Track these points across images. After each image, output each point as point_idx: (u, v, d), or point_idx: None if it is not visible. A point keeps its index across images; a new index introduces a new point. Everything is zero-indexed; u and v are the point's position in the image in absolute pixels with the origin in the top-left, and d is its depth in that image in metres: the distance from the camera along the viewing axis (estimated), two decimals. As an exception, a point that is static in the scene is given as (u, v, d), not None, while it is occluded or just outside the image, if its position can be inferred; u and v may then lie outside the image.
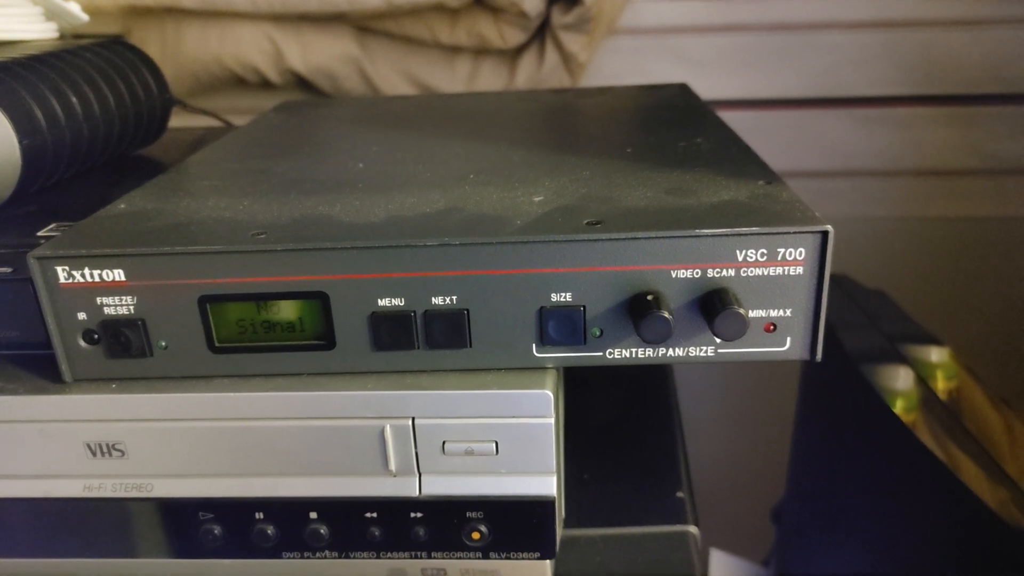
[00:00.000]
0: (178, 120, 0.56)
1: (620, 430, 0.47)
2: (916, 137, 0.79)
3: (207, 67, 0.74)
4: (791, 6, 0.75)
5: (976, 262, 0.82)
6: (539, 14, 0.69)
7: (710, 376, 0.89)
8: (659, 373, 0.53)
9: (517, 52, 0.74)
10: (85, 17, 0.49)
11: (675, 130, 0.46)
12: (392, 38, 0.74)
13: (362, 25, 0.73)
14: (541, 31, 0.72)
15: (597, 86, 0.65)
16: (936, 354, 0.53)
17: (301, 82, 0.77)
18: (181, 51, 0.73)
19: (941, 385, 0.49)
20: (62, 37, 0.50)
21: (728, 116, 0.50)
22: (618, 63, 0.77)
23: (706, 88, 0.60)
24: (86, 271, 0.31)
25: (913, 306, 0.61)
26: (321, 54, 0.74)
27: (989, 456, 0.40)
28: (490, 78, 0.75)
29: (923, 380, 0.49)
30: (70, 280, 0.32)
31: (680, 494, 0.41)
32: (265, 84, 0.76)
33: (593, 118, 0.53)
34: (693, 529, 0.40)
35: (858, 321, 0.59)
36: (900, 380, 0.50)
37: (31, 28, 0.46)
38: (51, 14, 0.48)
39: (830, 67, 0.76)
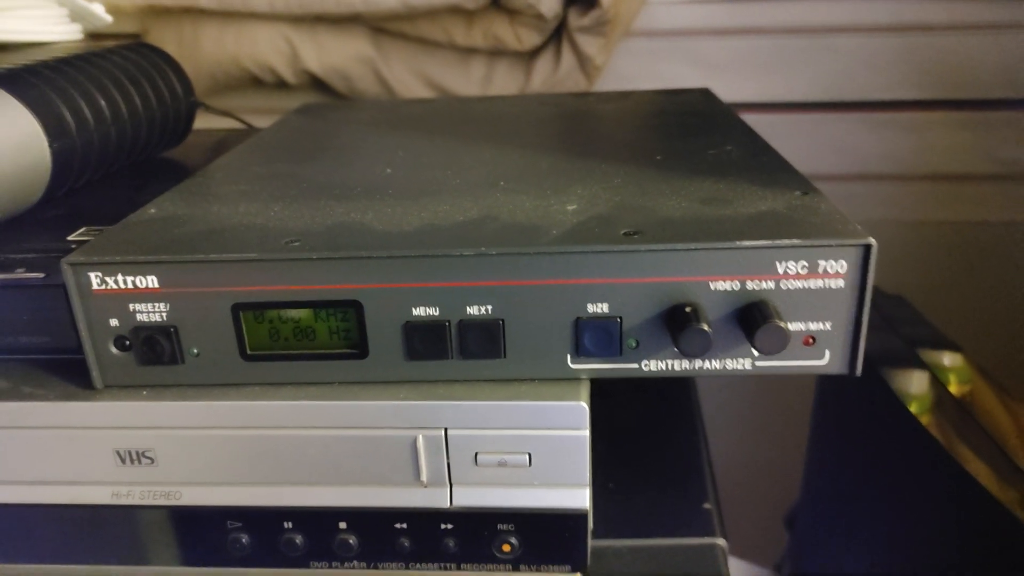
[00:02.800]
0: (198, 122, 0.56)
1: (644, 439, 0.47)
2: (931, 141, 0.79)
3: (224, 67, 0.74)
4: (806, 9, 0.74)
5: (989, 266, 0.82)
6: (555, 16, 0.69)
7: (725, 380, 0.89)
8: (682, 381, 0.52)
9: (533, 54, 0.74)
10: (109, 19, 0.49)
11: (702, 137, 0.46)
12: (407, 39, 0.74)
13: (377, 26, 0.73)
14: (557, 33, 0.72)
15: (616, 90, 0.65)
16: (954, 359, 0.53)
17: (316, 82, 0.76)
18: (198, 51, 0.73)
19: (959, 389, 0.48)
20: (86, 40, 0.49)
21: (744, 119, 0.49)
22: (633, 66, 0.76)
23: (721, 91, 0.60)
24: (119, 278, 0.31)
25: (927, 309, 0.61)
26: (336, 55, 0.74)
27: (1008, 459, 0.40)
28: (505, 80, 0.75)
29: (941, 384, 0.49)
30: (103, 287, 0.31)
31: (707, 505, 0.41)
32: (281, 84, 0.76)
33: (617, 123, 0.52)
34: (721, 542, 0.39)
35: (876, 325, 0.58)
36: (919, 384, 0.50)
37: (57, 30, 0.46)
38: (76, 15, 0.48)
39: (845, 71, 0.76)
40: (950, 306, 0.78)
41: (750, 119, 0.50)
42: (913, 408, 0.47)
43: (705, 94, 0.58)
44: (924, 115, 0.78)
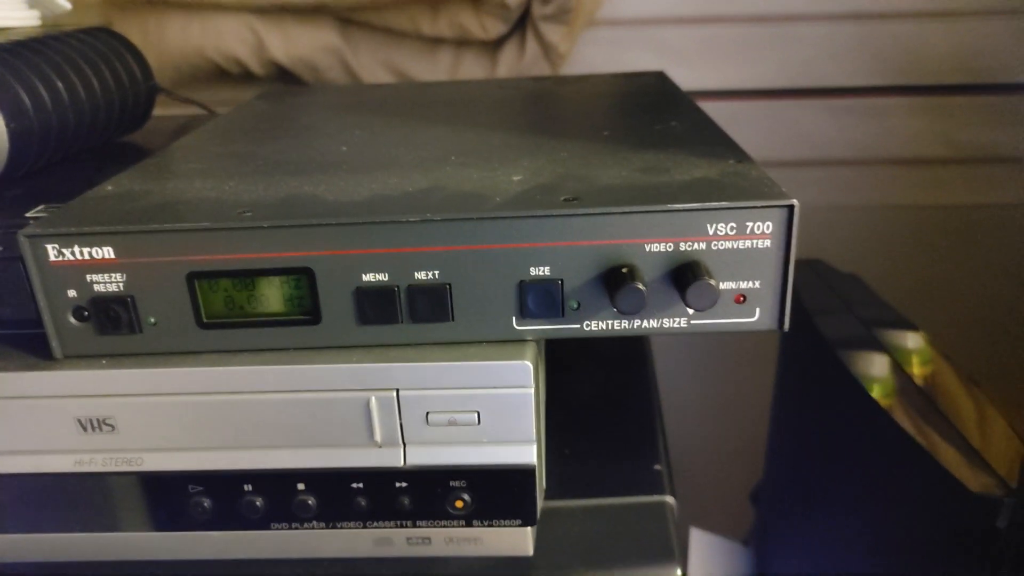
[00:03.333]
0: (162, 109, 0.57)
1: (600, 407, 0.48)
2: (889, 126, 0.81)
3: (189, 59, 0.74)
4: (766, -2, 0.76)
5: (948, 248, 0.84)
6: (519, 5, 0.70)
7: (691, 360, 0.91)
8: (638, 352, 0.54)
9: (498, 43, 0.75)
10: (68, 5, 0.49)
11: (651, 115, 0.47)
12: (374, 29, 0.75)
13: (344, 16, 0.74)
14: (522, 22, 0.73)
15: (576, 74, 0.66)
16: (910, 338, 0.55)
17: (283, 74, 0.77)
18: (163, 43, 0.73)
19: (915, 369, 0.50)
20: (44, 26, 0.50)
21: (705, 107, 0.51)
22: (598, 54, 0.78)
23: (684, 79, 0.62)
24: (76, 249, 0.32)
25: (887, 291, 0.62)
26: (303, 45, 0.74)
27: (962, 437, 0.41)
28: (472, 69, 0.76)
29: (898, 364, 0.50)
30: (60, 258, 0.32)
31: (657, 466, 0.43)
32: (247, 76, 0.77)
33: (571, 104, 0.54)
34: (670, 499, 0.41)
35: (833, 305, 0.60)
36: (875, 364, 0.51)
37: (12, 15, 0.47)
38: (34, 2, 0.48)
39: (806, 58, 0.78)
40: (909, 288, 0.80)
41: (712, 107, 0.52)
42: (870, 388, 0.49)
43: (659, 77, 0.59)
44: (883, 100, 0.80)
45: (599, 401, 0.49)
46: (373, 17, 0.73)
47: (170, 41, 0.73)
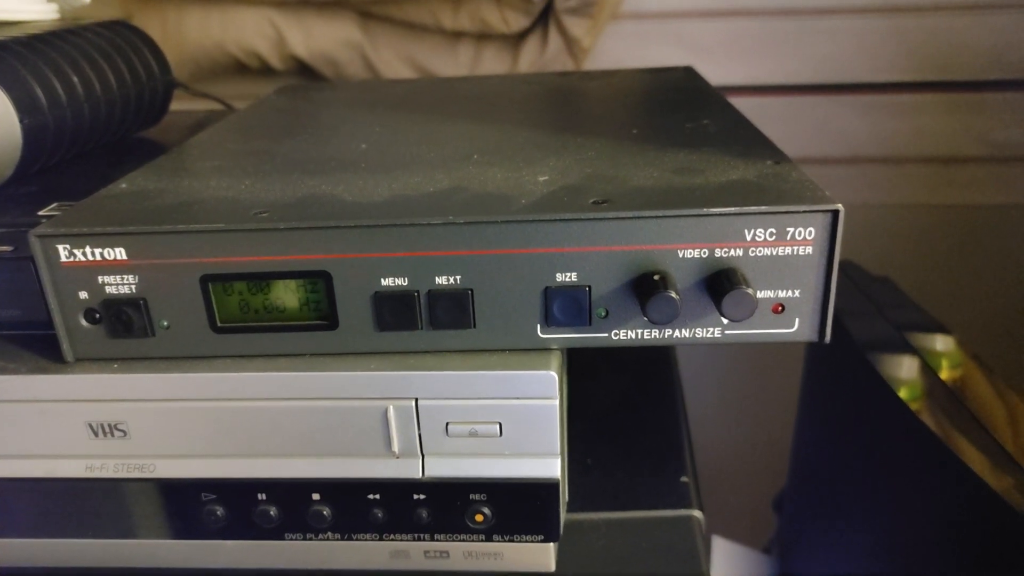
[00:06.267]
0: (179, 104, 0.56)
1: (624, 415, 0.47)
2: (921, 124, 0.78)
3: (208, 53, 0.73)
4: (796, -9, 0.74)
5: (980, 249, 0.81)
6: (542, -2, 0.68)
7: (715, 364, 0.89)
8: (662, 358, 0.52)
9: (520, 37, 0.73)
10: (87, 0, 0.48)
11: (682, 112, 0.45)
12: (395, 23, 0.74)
13: (364, 10, 0.73)
14: (544, 16, 0.72)
15: (601, 69, 0.65)
16: (942, 342, 0.53)
17: (303, 68, 0.76)
18: (182, 36, 0.73)
19: (946, 373, 0.48)
20: (62, 19, 0.49)
21: (731, 102, 0.49)
22: (621, 48, 0.76)
23: (709, 74, 0.60)
24: (88, 249, 0.31)
25: (917, 293, 0.61)
26: (323, 39, 0.73)
27: (995, 442, 0.40)
28: (493, 63, 0.74)
29: (929, 368, 0.49)
30: (71, 259, 0.31)
31: (684, 479, 0.41)
32: (267, 70, 0.76)
33: (598, 100, 0.52)
34: (697, 513, 0.39)
35: (864, 308, 0.58)
36: (906, 368, 0.50)
37: (31, 8, 0.46)
38: (52, -5, 0.48)
39: (834, 53, 0.76)
40: (941, 290, 0.78)
41: (739, 102, 0.50)
42: (901, 393, 0.47)
43: (688, 72, 0.57)
44: (914, 97, 0.77)
45: (621, 408, 0.48)
46: (394, 11, 0.72)
47: (189, 35, 0.73)
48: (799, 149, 0.80)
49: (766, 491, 0.78)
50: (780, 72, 0.76)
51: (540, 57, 0.73)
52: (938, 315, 0.57)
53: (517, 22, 0.71)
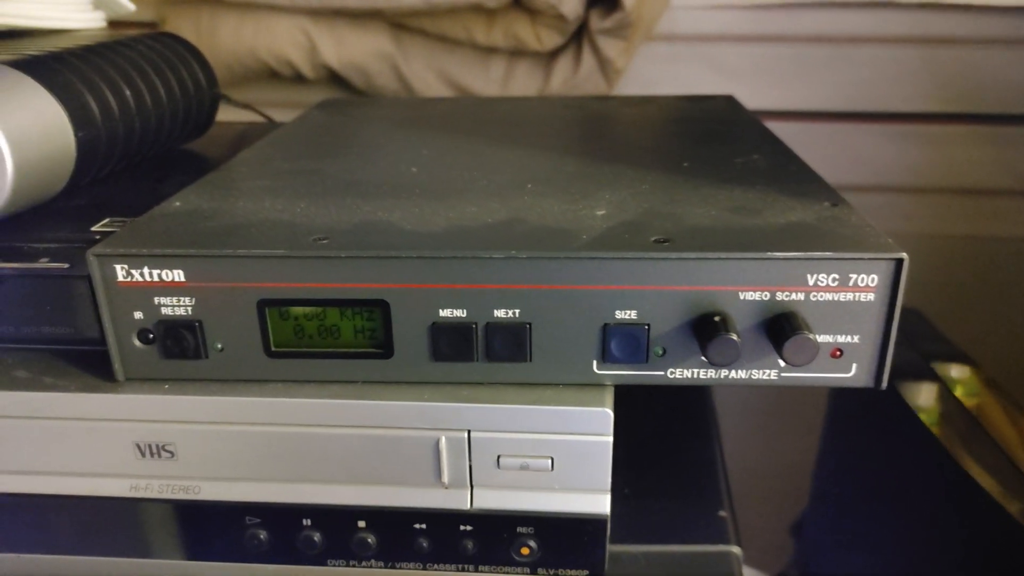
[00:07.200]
0: (219, 114, 0.56)
1: (661, 445, 0.47)
2: (951, 155, 0.78)
3: (241, 59, 0.73)
4: (829, 18, 0.74)
5: (1008, 282, 0.81)
6: (577, 17, 0.68)
7: (736, 389, 0.89)
8: (699, 388, 0.52)
9: (553, 55, 0.73)
10: (132, 7, 0.49)
11: (728, 144, 0.45)
12: (427, 36, 0.74)
13: (398, 22, 0.73)
14: (578, 35, 0.72)
15: (639, 95, 0.65)
16: (970, 374, 0.53)
17: (334, 77, 0.76)
18: (215, 42, 0.73)
19: (974, 405, 0.48)
20: (109, 28, 0.49)
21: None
22: (654, 70, 0.76)
23: (741, 98, 0.60)
24: (145, 270, 0.31)
25: (943, 324, 0.60)
26: (356, 50, 0.73)
27: (1017, 471, 0.40)
28: (525, 80, 0.74)
29: (956, 400, 0.49)
30: (128, 279, 0.31)
31: (723, 513, 0.41)
32: (298, 78, 0.76)
33: (641, 128, 0.52)
34: (736, 550, 0.39)
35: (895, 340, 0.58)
36: (934, 399, 0.50)
37: (80, 17, 0.46)
38: (99, 2, 0.48)
39: (866, 81, 0.75)
40: (968, 321, 0.77)
41: (770, 126, 0.51)
42: (927, 422, 0.47)
43: (729, 101, 0.57)
44: (945, 128, 0.77)
45: (659, 436, 0.48)
46: (427, 24, 0.72)
47: (222, 40, 0.73)
48: (828, 176, 0.79)
49: (784, 517, 0.78)
50: (812, 98, 0.76)
51: (573, 76, 0.73)
52: (965, 347, 0.57)
53: (551, 40, 0.70)
